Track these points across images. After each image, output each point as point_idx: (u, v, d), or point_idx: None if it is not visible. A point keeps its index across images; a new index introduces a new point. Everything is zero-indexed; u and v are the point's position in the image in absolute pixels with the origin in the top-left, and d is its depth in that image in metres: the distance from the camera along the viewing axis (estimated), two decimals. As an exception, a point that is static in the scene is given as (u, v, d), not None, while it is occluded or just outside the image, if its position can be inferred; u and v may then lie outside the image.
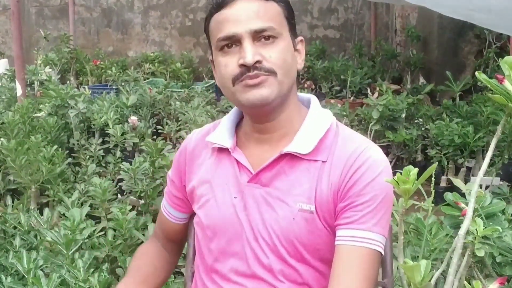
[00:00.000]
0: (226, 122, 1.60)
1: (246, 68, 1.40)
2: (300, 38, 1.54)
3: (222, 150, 1.56)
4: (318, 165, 1.46)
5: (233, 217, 1.50)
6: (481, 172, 1.52)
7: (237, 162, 1.52)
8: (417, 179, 1.43)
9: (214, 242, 1.54)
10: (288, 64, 1.45)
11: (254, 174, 1.49)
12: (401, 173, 1.44)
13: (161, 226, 1.79)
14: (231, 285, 1.51)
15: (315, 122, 1.51)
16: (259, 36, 1.41)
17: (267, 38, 1.42)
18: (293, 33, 1.51)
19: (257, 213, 1.48)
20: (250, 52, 1.39)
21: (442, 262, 1.76)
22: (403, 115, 5.68)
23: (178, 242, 1.81)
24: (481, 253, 1.66)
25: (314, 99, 1.60)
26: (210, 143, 1.58)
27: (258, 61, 1.40)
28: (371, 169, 1.42)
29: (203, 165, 1.60)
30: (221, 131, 1.58)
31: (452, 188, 4.55)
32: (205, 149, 1.61)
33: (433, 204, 2.54)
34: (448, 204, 1.98)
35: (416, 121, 5.89)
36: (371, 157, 1.44)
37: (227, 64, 1.43)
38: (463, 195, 1.95)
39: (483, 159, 5.19)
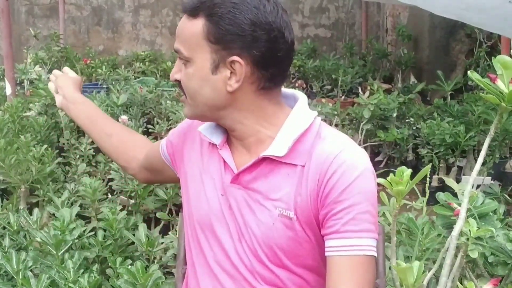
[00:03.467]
0: None
1: None
2: (231, 59, 1.39)
3: (211, 144, 1.56)
4: (298, 170, 1.42)
5: (220, 214, 1.50)
6: (474, 172, 1.51)
7: (223, 160, 1.52)
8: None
9: (200, 234, 1.55)
10: (193, 91, 1.44)
11: (235, 175, 1.48)
12: (393, 173, 1.42)
13: (151, 150, 1.85)
14: (214, 282, 1.51)
15: (294, 124, 1.46)
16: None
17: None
18: (224, 53, 1.39)
19: (239, 214, 1.47)
20: (172, 71, 1.48)
21: (434, 262, 1.76)
22: (394, 114, 5.68)
23: (150, 171, 1.87)
24: (474, 254, 1.65)
25: (301, 99, 1.53)
26: (201, 134, 1.56)
27: (175, 80, 1.47)
28: (346, 174, 1.37)
29: (195, 152, 1.61)
30: (211, 124, 1.56)
31: (443, 187, 4.57)
32: (200, 138, 1.61)
33: (425, 204, 2.54)
34: (440, 204, 1.97)
35: (407, 120, 5.90)
36: (346, 161, 1.38)
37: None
38: (455, 194, 1.95)
39: (474, 158, 5.21)
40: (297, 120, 1.47)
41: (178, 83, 1.47)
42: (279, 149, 1.42)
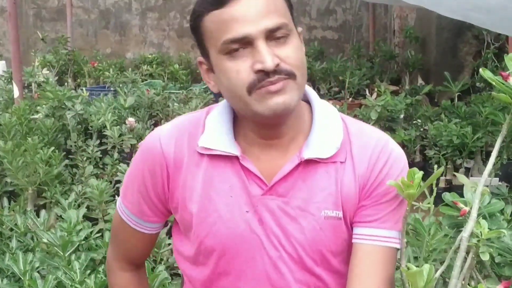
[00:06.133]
0: (219, 123, 1.39)
1: (264, 73, 1.22)
2: (299, 29, 1.34)
3: (218, 157, 1.36)
4: (337, 166, 1.35)
5: (248, 234, 1.35)
6: (486, 172, 1.49)
7: (245, 171, 1.35)
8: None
9: (221, 265, 1.38)
10: (304, 63, 1.30)
11: (271, 186, 1.34)
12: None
13: (133, 244, 1.53)
14: None
15: (326, 121, 1.38)
16: (272, 35, 1.24)
17: (279, 36, 1.24)
18: (295, 24, 1.32)
19: (276, 226, 1.34)
20: (268, 56, 1.21)
21: (441, 263, 1.74)
22: (402, 116, 5.66)
23: (148, 254, 1.62)
24: (485, 257, 1.62)
25: (309, 90, 1.43)
26: (203, 149, 1.36)
27: (277, 64, 1.22)
28: (395, 166, 1.36)
29: (189, 174, 1.38)
30: (216, 135, 1.37)
31: (450, 189, 4.54)
32: (187, 154, 1.39)
33: (432, 205, 2.53)
34: (447, 204, 1.96)
35: (414, 121, 5.88)
36: (393, 151, 1.37)
37: (239, 71, 1.24)
38: (461, 195, 1.94)
39: (482, 159, 5.19)
40: (326, 116, 1.39)
41: (263, 73, 1.23)
42: (324, 150, 1.34)
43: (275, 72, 1.23)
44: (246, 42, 1.23)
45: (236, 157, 1.35)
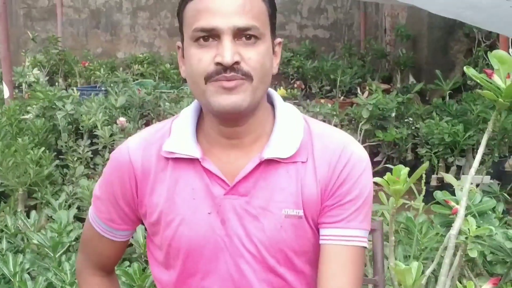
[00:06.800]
0: (183, 126, 1.41)
1: (222, 67, 1.26)
2: (278, 40, 1.40)
3: (181, 161, 1.39)
4: (298, 166, 1.37)
5: (210, 234, 1.37)
6: (472, 170, 1.50)
7: (207, 173, 1.37)
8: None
9: (188, 266, 1.41)
10: (266, 69, 1.32)
11: (232, 185, 1.36)
12: (391, 172, 1.41)
13: (103, 251, 1.54)
14: None
15: (287, 122, 1.40)
16: (241, 34, 1.27)
17: (249, 37, 1.28)
18: (273, 33, 1.37)
19: (238, 226, 1.36)
20: (229, 51, 1.25)
21: (432, 261, 1.74)
22: (393, 114, 5.68)
23: (118, 260, 1.62)
24: (473, 254, 1.63)
25: (274, 93, 1.46)
26: (167, 153, 1.39)
27: (236, 62, 1.26)
28: (357, 166, 1.37)
29: (157, 181, 1.41)
30: (180, 138, 1.39)
31: (442, 187, 4.55)
32: (155, 161, 1.41)
33: (423, 203, 2.52)
34: (438, 203, 1.96)
35: (406, 120, 5.89)
36: (354, 152, 1.38)
37: (201, 59, 1.28)
38: (453, 193, 1.94)
39: (473, 157, 5.19)
40: (288, 117, 1.42)
41: (221, 66, 1.26)
42: (283, 150, 1.36)
43: (232, 69, 1.27)
44: (214, 34, 1.28)
45: (198, 160, 1.37)
